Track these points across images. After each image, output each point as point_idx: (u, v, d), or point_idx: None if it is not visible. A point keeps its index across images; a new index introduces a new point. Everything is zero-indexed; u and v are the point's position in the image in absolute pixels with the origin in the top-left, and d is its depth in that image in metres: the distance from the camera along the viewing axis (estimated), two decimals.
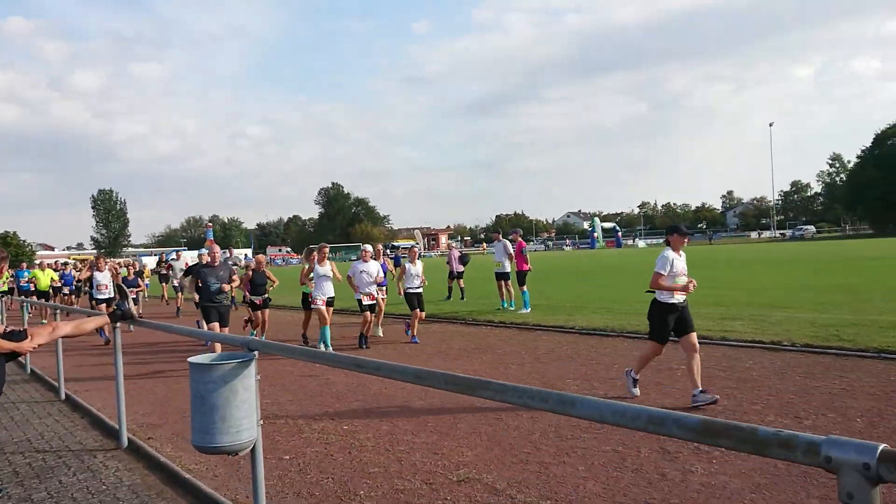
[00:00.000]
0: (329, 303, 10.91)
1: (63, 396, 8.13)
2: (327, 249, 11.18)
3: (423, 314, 11.71)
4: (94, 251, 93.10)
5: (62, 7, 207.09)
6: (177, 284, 19.56)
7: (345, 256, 76.04)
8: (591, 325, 11.66)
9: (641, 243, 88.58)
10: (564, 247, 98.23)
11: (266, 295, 11.62)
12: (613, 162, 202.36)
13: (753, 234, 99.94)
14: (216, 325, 9.86)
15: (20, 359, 5.70)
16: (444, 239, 70.93)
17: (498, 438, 5.54)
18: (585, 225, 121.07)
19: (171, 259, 21.37)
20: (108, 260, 13.66)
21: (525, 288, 14.35)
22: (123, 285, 5.38)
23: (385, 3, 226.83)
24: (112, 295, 14.21)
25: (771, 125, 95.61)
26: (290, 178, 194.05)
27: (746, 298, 14.23)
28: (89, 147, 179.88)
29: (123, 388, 5.75)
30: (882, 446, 1.29)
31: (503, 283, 15.06)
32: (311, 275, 11.20)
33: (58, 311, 8.53)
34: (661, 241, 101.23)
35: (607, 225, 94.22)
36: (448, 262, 18.75)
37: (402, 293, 11.76)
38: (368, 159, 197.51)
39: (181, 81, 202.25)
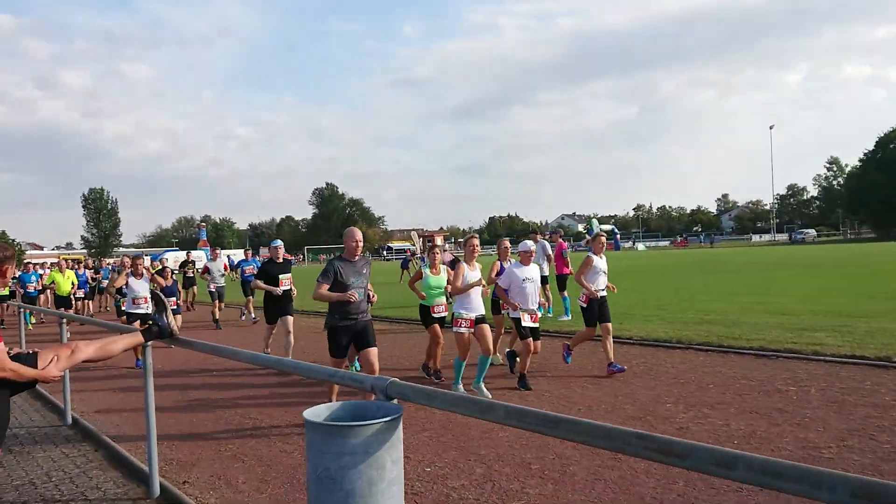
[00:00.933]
0: (479, 321, 7.54)
1: (69, 420, 6.92)
2: (476, 242, 7.87)
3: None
4: (84, 251, 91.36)
5: (50, 5, 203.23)
6: (213, 289, 16.74)
7: None
8: (651, 335, 10.57)
9: (641, 246, 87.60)
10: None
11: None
12: (605, 165, 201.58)
13: (755, 237, 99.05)
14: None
15: None
16: (439, 241, 69.66)
17: (633, 489, 4.39)
18: (580, 227, 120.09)
19: (208, 260, 17.77)
20: (143, 262, 10.79)
21: (566, 293, 13.22)
22: (161, 294, 4.21)
23: (376, 4, 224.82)
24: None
25: (771, 128, 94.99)
26: (279, 180, 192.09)
27: (804, 306, 13.13)
28: (77, 146, 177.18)
29: (155, 421, 4.55)
30: None
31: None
32: (428, 281, 8.40)
33: (64, 321, 7.22)
34: (662, 243, 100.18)
35: (606, 227, 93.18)
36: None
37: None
38: (358, 161, 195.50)
39: (169, 81, 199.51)
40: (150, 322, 4.14)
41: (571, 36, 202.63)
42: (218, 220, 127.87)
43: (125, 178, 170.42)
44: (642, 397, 6.86)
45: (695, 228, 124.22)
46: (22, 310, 10.23)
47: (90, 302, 20.28)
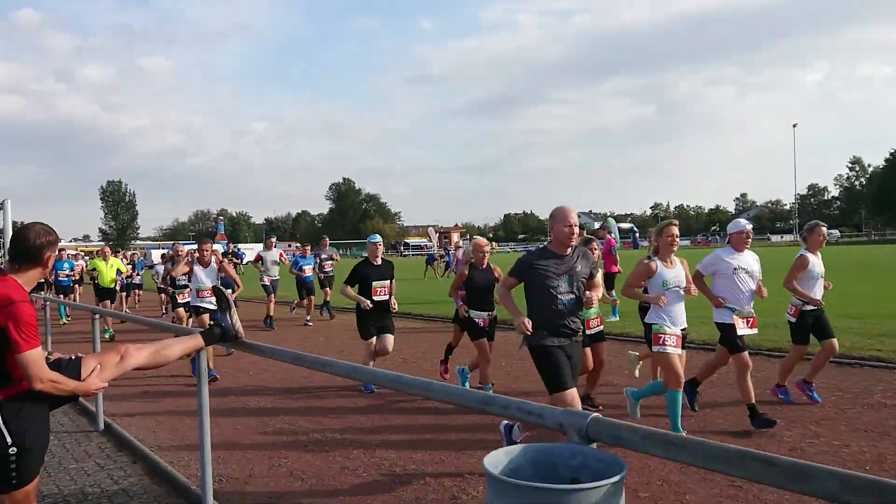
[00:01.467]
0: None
1: (101, 426, 6.33)
2: (675, 231, 5.52)
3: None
4: (101, 243, 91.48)
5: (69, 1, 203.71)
6: (268, 282, 14.63)
7: (356, 253, 74.15)
8: (714, 338, 9.83)
9: None
10: None
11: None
12: (621, 163, 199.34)
13: (774, 238, 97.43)
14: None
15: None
16: (455, 237, 68.99)
17: None
18: (597, 225, 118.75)
19: (263, 249, 15.34)
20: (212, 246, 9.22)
21: (613, 293, 12.51)
22: (222, 288, 3.58)
23: (392, 1, 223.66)
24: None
25: (795, 126, 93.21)
26: (293, 175, 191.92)
27: (867, 310, 12.34)
28: (93, 140, 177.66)
29: (209, 439, 3.93)
30: None
31: None
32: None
33: (97, 316, 6.60)
34: (682, 242, 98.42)
35: (624, 225, 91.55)
36: (452, 263, 16.76)
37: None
38: (372, 157, 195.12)
39: (187, 76, 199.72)
40: (213, 322, 3.51)
41: (587, 34, 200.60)
42: (234, 214, 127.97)
43: (142, 172, 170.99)
44: (736, 410, 6.15)
45: (713, 228, 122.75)
46: (48, 303, 9.56)
47: (125, 296, 18.76)
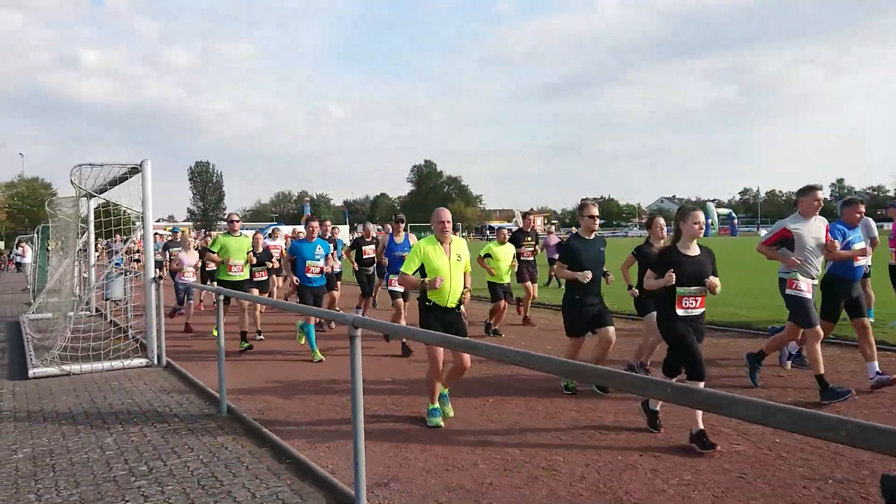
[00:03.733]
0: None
1: (224, 411, 6.12)
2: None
3: None
4: (189, 223, 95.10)
5: None
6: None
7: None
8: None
9: (764, 232, 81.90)
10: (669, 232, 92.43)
11: None
12: (702, 147, 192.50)
13: (887, 225, 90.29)
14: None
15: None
16: (539, 221, 67.81)
17: None
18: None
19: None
20: None
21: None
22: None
23: None
24: None
25: None
26: (370, 157, 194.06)
27: None
28: (177, 122, 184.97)
29: (364, 441, 3.51)
30: None
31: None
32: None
33: (222, 297, 6.41)
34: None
35: (723, 211, 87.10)
36: (544, 249, 15.17)
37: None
38: (446, 139, 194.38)
39: (267, 59, 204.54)
40: None
41: (669, 13, 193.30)
42: (314, 196, 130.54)
43: (223, 153, 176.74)
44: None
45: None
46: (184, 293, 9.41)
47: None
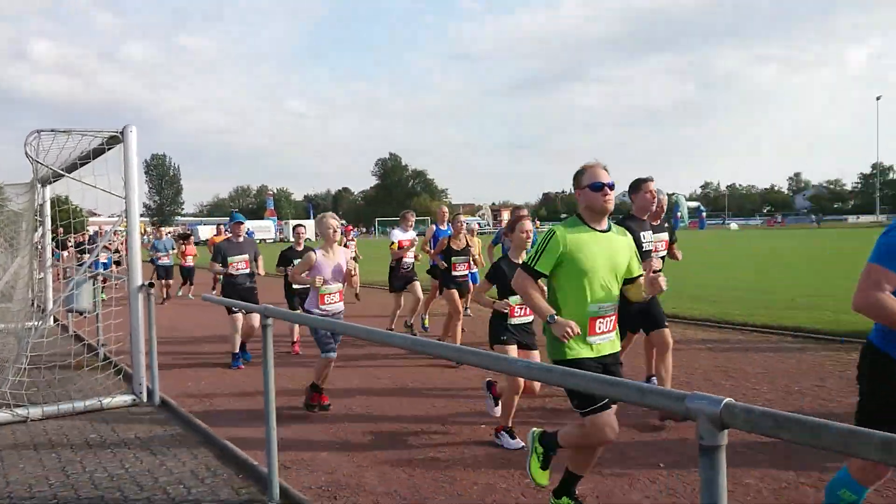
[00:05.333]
0: None
1: (276, 496, 3.98)
2: None
3: None
4: (145, 219, 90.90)
5: None
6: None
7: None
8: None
9: (734, 225, 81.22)
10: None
11: None
12: (664, 143, 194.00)
13: (851, 218, 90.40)
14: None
15: None
16: (506, 215, 66.32)
17: None
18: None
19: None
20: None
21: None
22: None
23: None
24: None
25: (878, 98, 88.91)
26: (332, 153, 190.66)
27: None
28: (136, 118, 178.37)
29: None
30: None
31: None
32: None
33: (270, 320, 4.23)
34: (752, 222, 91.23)
35: (692, 204, 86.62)
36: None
37: None
38: (409, 135, 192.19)
39: (229, 55, 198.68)
40: None
41: (629, 10, 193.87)
42: (275, 191, 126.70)
43: (181, 149, 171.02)
44: None
45: (766, 209, 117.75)
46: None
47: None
